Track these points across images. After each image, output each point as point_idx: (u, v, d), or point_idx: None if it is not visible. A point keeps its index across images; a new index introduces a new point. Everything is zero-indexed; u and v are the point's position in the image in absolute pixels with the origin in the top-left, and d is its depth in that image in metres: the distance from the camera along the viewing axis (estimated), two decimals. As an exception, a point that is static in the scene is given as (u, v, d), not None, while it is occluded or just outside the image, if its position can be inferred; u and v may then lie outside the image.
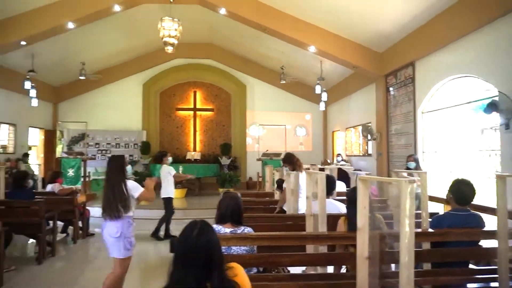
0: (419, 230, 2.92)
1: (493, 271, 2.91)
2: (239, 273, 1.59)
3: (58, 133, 11.79)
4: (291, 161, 4.75)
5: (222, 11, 8.41)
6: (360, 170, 6.33)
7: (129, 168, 3.89)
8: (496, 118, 5.03)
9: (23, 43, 8.35)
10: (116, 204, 3.36)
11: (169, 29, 8.15)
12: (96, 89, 12.96)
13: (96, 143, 12.58)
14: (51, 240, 5.66)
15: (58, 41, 9.08)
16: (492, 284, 2.75)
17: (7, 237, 4.78)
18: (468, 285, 2.91)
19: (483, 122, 5.71)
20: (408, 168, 5.31)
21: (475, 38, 5.49)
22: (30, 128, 11.70)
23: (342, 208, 4.19)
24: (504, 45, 4.91)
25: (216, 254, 1.50)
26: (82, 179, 9.65)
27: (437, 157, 6.73)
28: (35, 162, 11.98)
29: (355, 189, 3.04)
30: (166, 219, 6.76)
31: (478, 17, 5.24)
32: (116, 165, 3.58)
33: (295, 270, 3.59)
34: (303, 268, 3.65)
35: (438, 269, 2.91)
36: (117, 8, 8.25)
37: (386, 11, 6.84)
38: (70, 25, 8.18)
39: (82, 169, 9.70)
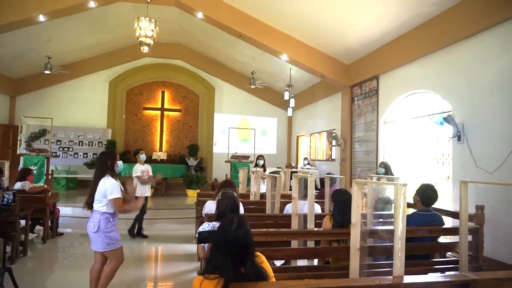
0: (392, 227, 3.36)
1: (450, 262, 3.43)
2: (264, 261, 1.88)
3: (20, 128, 11.22)
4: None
5: (199, 15, 8.58)
6: (334, 174, 6.79)
7: (120, 163, 3.88)
8: (449, 130, 5.70)
9: (-14, 33, 7.99)
10: (91, 193, 3.55)
11: (146, 29, 8.20)
12: (60, 84, 12.51)
13: (58, 140, 12.13)
14: (23, 240, 5.54)
15: (22, 32, 8.71)
16: (448, 272, 3.24)
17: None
18: (430, 273, 3.39)
19: (438, 133, 6.41)
20: (378, 174, 5.84)
21: (435, 58, 6.16)
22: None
23: (318, 209, 4.61)
24: (460, 66, 5.59)
25: (250, 244, 1.77)
26: (44, 177, 9.33)
27: (396, 164, 7.38)
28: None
29: (338, 191, 3.44)
30: (139, 218, 6.86)
31: (438, 40, 5.89)
32: (103, 161, 3.63)
33: (278, 263, 3.93)
34: (282, 261, 4.00)
35: (406, 261, 3.37)
36: (92, 4, 8.13)
37: (355, 27, 7.41)
38: (41, 18, 7.95)
39: (45, 166, 9.38)
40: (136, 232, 6.89)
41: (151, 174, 6.88)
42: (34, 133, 11.90)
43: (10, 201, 3.35)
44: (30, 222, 6.12)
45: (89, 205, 3.58)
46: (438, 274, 3.03)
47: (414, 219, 3.40)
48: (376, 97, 8.05)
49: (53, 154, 10.16)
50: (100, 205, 3.52)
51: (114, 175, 3.62)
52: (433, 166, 6.65)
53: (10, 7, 7.55)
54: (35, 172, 8.93)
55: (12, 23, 7.79)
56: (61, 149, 12.14)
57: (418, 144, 7.12)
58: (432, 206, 3.51)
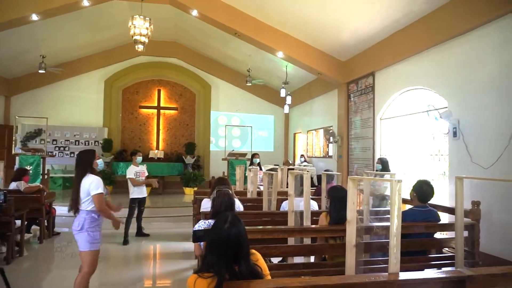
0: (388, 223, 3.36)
1: (446, 258, 3.44)
2: (259, 258, 1.87)
3: (15, 128, 11.16)
4: None
5: (194, 13, 8.54)
6: (331, 171, 6.79)
7: (100, 162, 3.79)
8: (445, 127, 5.71)
9: (-20, 32, 7.92)
10: (74, 198, 3.42)
11: (140, 27, 8.16)
12: (55, 83, 12.43)
13: (54, 140, 12.07)
14: (18, 240, 5.51)
15: (16, 31, 8.64)
16: (444, 268, 3.25)
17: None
18: (426, 270, 3.40)
19: (434, 130, 6.42)
20: (376, 170, 5.85)
21: (430, 55, 6.16)
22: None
23: (314, 206, 4.60)
24: (455, 63, 5.59)
25: (244, 243, 1.76)
26: (40, 177, 9.29)
27: (393, 160, 7.39)
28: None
29: (333, 187, 3.44)
30: (127, 220, 6.53)
31: (433, 36, 5.89)
32: (82, 159, 3.54)
33: (275, 261, 3.92)
34: (280, 259, 3.99)
35: (402, 257, 3.37)
36: (86, 3, 8.07)
37: (350, 25, 7.40)
38: (34, 17, 7.88)
39: (41, 166, 9.33)
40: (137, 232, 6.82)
41: (146, 174, 6.82)
42: (29, 132, 11.84)
43: (1, 201, 3.29)
44: (26, 222, 6.09)
45: (76, 209, 3.43)
46: (434, 270, 3.04)
47: (410, 215, 3.41)
48: (372, 94, 8.05)
49: (49, 153, 10.11)
50: (86, 204, 3.42)
51: (95, 173, 3.52)
52: (429, 162, 6.66)
53: (2, 5, 7.47)
54: (30, 172, 8.89)
55: (5, 22, 7.72)
56: (57, 148, 12.08)
57: (414, 140, 7.13)
58: (429, 202, 3.51)
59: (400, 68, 7.05)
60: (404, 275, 1.97)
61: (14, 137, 11.51)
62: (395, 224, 1.87)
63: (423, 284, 2.05)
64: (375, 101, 7.97)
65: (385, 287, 1.90)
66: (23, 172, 6.41)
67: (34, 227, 6.65)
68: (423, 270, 3.35)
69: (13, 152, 9.72)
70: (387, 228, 2.30)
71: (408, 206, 3.72)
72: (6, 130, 11.99)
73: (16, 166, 8.90)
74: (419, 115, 6.79)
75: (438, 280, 2.04)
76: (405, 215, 3.49)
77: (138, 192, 6.61)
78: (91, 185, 3.39)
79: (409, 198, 3.68)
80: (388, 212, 3.49)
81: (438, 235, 3.75)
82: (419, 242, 3.31)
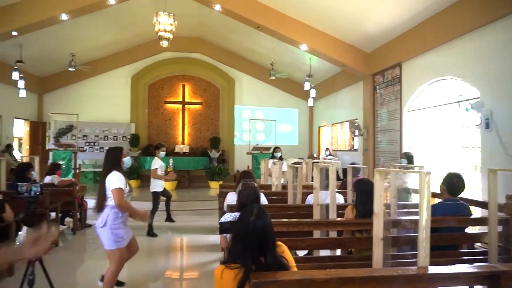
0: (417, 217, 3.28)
1: (478, 253, 3.33)
2: (285, 250, 1.88)
3: (48, 124, 11.65)
4: None
5: (217, 7, 8.57)
6: (357, 164, 6.66)
7: (127, 159, 3.82)
8: (476, 118, 5.49)
9: (14, 33, 8.25)
10: (100, 196, 3.44)
11: (165, 23, 8.28)
12: (84, 81, 12.83)
13: (84, 135, 12.50)
14: (53, 231, 5.77)
15: (46, 31, 8.97)
16: (477, 264, 3.14)
17: (17, 228, 4.86)
18: (457, 265, 3.30)
19: (465, 121, 6.19)
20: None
21: (461, 43, 5.92)
22: (15, 120, 11.54)
23: (340, 199, 4.55)
24: (488, 51, 5.35)
25: (270, 235, 1.77)
26: (72, 171, 9.67)
27: (421, 153, 7.19)
28: (20, 154, 11.82)
29: (360, 180, 3.39)
30: (152, 213, 6.69)
31: (464, 24, 5.65)
32: (109, 156, 3.58)
33: (301, 254, 3.91)
34: (305, 252, 3.98)
35: (432, 252, 3.29)
36: (111, 1, 8.26)
37: (375, 15, 7.20)
38: (64, 16, 8.14)
39: (73, 161, 9.72)
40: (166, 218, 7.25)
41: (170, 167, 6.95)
42: (61, 129, 12.30)
43: (38, 193, 3.45)
44: (60, 214, 6.38)
45: (100, 207, 3.43)
46: (466, 265, 2.95)
47: (440, 208, 3.31)
48: (399, 85, 7.83)
49: (80, 149, 10.50)
50: (110, 199, 3.40)
51: (121, 171, 3.53)
52: (460, 155, 6.44)
53: (34, 6, 7.76)
54: (63, 166, 9.27)
55: (37, 23, 8.02)
56: (87, 144, 12.51)
57: (444, 133, 6.90)
58: (459, 196, 3.40)
59: (429, 58, 6.82)
60: (433, 269, 1.92)
61: (47, 133, 12.02)
62: (424, 216, 1.83)
63: (454, 279, 1.99)
64: (402, 93, 7.76)
65: (414, 281, 1.86)
66: (56, 166, 6.69)
67: (67, 219, 6.93)
68: (453, 265, 3.27)
69: (46, 147, 10.14)
70: (415, 222, 2.25)
71: (437, 201, 3.62)
72: (40, 126, 12.54)
73: (50, 161, 9.31)
74: (448, 106, 6.55)
75: (470, 275, 1.98)
76: (434, 208, 3.39)
77: (160, 185, 6.75)
78: (112, 180, 3.40)
79: (438, 192, 3.58)
80: (416, 205, 3.42)
81: (470, 230, 3.63)
82: (450, 237, 3.22)
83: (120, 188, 3.36)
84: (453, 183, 3.30)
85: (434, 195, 3.78)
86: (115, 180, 3.38)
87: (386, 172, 2.41)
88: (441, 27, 6.18)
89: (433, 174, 2.06)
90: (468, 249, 3.50)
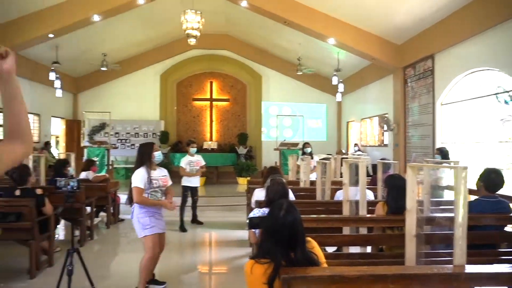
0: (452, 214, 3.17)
1: (518, 253, 3.17)
2: (315, 246, 1.87)
3: (82, 122, 12.14)
4: None
5: (244, 3, 8.57)
6: (387, 159, 6.49)
7: (158, 154, 3.92)
8: (516, 110, 5.21)
9: (51, 35, 8.62)
10: (129, 189, 3.63)
11: (192, 21, 8.40)
12: (115, 80, 13.26)
13: (116, 133, 12.92)
14: (89, 225, 6.02)
15: (80, 33, 9.31)
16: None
17: (55, 221, 5.11)
18: (496, 264, 3.16)
19: (504, 114, 5.89)
20: (435, 160, 5.53)
21: (498, 32, 5.62)
22: (52, 118, 12.10)
23: (370, 195, 4.46)
24: (528, 40, 5.07)
25: (299, 230, 1.77)
26: (106, 167, 10.02)
27: (456, 148, 6.92)
28: (57, 151, 12.40)
29: (391, 176, 3.31)
30: (180, 207, 6.68)
31: (501, 12, 5.37)
32: (139, 152, 3.74)
33: (330, 250, 3.87)
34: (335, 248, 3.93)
35: (468, 251, 3.17)
36: (141, 1, 8.45)
37: (405, 5, 6.98)
38: (96, 17, 8.42)
39: (106, 157, 10.08)
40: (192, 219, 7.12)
41: (202, 163, 6.96)
42: (95, 126, 12.77)
43: (75, 188, 3.62)
44: (94, 209, 6.64)
45: (131, 200, 3.63)
46: (505, 265, 2.82)
47: (477, 206, 3.17)
48: (432, 78, 7.56)
49: (113, 146, 10.85)
50: None
51: (152, 165, 3.67)
52: (498, 150, 6.14)
53: (68, 9, 8.06)
54: (97, 163, 9.62)
55: (71, 25, 8.35)
56: (119, 141, 12.92)
57: (480, 126, 6.60)
58: (498, 192, 3.24)
59: (463, 48, 6.53)
60: (471, 268, 1.85)
61: (82, 131, 12.51)
62: (460, 213, 1.77)
63: (492, 279, 1.91)
64: (435, 86, 7.49)
65: (450, 280, 1.80)
66: (91, 163, 6.95)
67: (101, 213, 7.20)
68: (492, 264, 3.13)
69: (81, 144, 10.55)
70: (451, 219, 2.17)
71: (473, 198, 3.47)
72: (75, 124, 13.08)
73: (85, 157, 9.69)
74: (485, 99, 6.26)
75: (510, 275, 1.89)
76: (470, 206, 3.23)
77: (187, 180, 6.79)
78: (133, 177, 3.56)
79: (474, 189, 3.43)
80: (450, 202, 3.30)
81: (509, 228, 3.46)
82: (488, 235, 3.09)
83: (137, 187, 3.50)
84: (491, 179, 3.15)
85: (470, 192, 3.62)
86: (135, 178, 3.55)
87: (418, 168, 2.34)
88: (476, 16, 5.90)
89: (469, 170, 1.98)
90: (507, 249, 3.34)
